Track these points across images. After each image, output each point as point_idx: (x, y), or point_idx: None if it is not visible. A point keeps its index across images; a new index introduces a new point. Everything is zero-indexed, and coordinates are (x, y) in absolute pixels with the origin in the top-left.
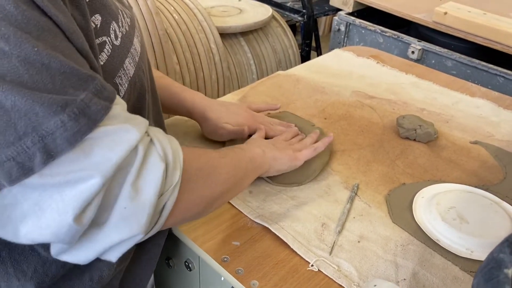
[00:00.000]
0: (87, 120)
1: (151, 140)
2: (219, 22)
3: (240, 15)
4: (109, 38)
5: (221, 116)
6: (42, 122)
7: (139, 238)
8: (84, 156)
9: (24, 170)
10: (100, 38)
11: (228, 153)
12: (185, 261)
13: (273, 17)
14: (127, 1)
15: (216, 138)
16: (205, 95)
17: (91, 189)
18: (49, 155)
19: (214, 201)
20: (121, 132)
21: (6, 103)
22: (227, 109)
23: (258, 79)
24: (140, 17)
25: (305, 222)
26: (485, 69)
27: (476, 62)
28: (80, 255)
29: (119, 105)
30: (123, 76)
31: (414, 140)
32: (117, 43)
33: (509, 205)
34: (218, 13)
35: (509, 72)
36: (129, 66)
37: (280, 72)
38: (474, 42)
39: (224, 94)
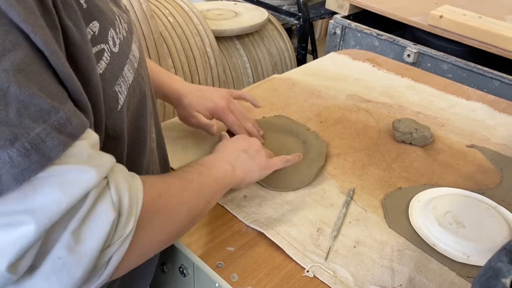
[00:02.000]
0: (39, 157)
1: (107, 184)
2: (215, 25)
3: (236, 18)
4: (107, 46)
5: (192, 102)
6: None
7: None
8: (33, 196)
9: None
10: (98, 46)
11: (193, 179)
12: (180, 267)
13: (268, 20)
14: (124, 5)
15: (188, 125)
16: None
17: (31, 235)
18: None
19: (172, 240)
20: (78, 173)
21: None
22: (201, 93)
23: (254, 82)
24: (135, 20)
25: (301, 227)
26: (481, 72)
27: (471, 65)
28: None
29: (86, 140)
30: (122, 83)
31: (410, 143)
32: (115, 50)
33: (506, 210)
34: (213, 16)
35: (504, 75)
36: (128, 73)
37: (275, 75)
38: (470, 46)
39: None
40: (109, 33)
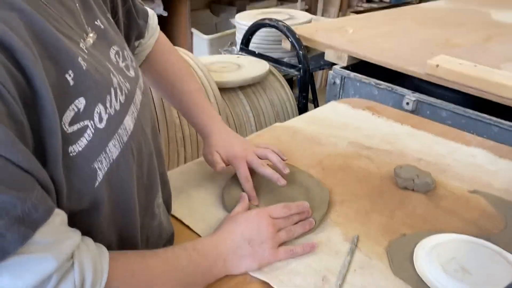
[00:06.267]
0: None
1: (72, 264)
2: (219, 77)
3: (239, 70)
4: (91, 122)
5: (216, 143)
6: None
7: None
8: None
9: None
10: (81, 123)
11: (178, 266)
12: None
13: (270, 71)
14: (134, 71)
15: (206, 161)
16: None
17: None
18: None
19: None
20: (37, 262)
21: None
22: (228, 138)
23: (256, 130)
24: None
25: (305, 275)
26: (480, 119)
27: (470, 112)
28: None
29: (49, 225)
30: (104, 159)
31: (413, 190)
32: (101, 126)
33: (511, 255)
34: (217, 69)
35: (503, 121)
36: (113, 149)
37: (277, 124)
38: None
39: None
40: (96, 108)
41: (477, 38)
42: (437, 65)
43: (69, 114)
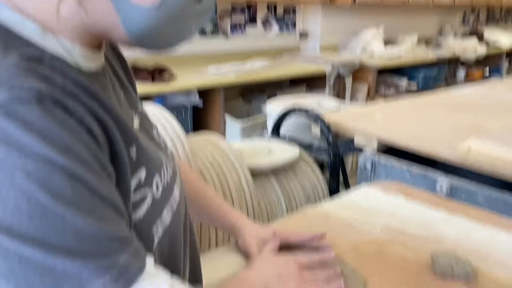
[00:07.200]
0: (125, 282)
1: None
2: (250, 162)
3: (270, 155)
4: (151, 191)
5: (250, 233)
6: (86, 284)
7: None
8: None
9: None
10: (143, 190)
11: None
12: None
13: (301, 156)
14: (171, 153)
15: (243, 251)
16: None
17: None
18: None
19: None
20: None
21: (56, 268)
22: (258, 227)
23: (288, 214)
24: (177, 159)
25: None
26: None
27: (507, 196)
28: None
29: (149, 261)
30: (159, 225)
31: (452, 279)
32: (157, 195)
33: None
34: (249, 154)
35: None
36: (166, 216)
37: (308, 207)
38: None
39: None
40: (155, 178)
41: (507, 123)
42: (469, 148)
43: (133, 183)
